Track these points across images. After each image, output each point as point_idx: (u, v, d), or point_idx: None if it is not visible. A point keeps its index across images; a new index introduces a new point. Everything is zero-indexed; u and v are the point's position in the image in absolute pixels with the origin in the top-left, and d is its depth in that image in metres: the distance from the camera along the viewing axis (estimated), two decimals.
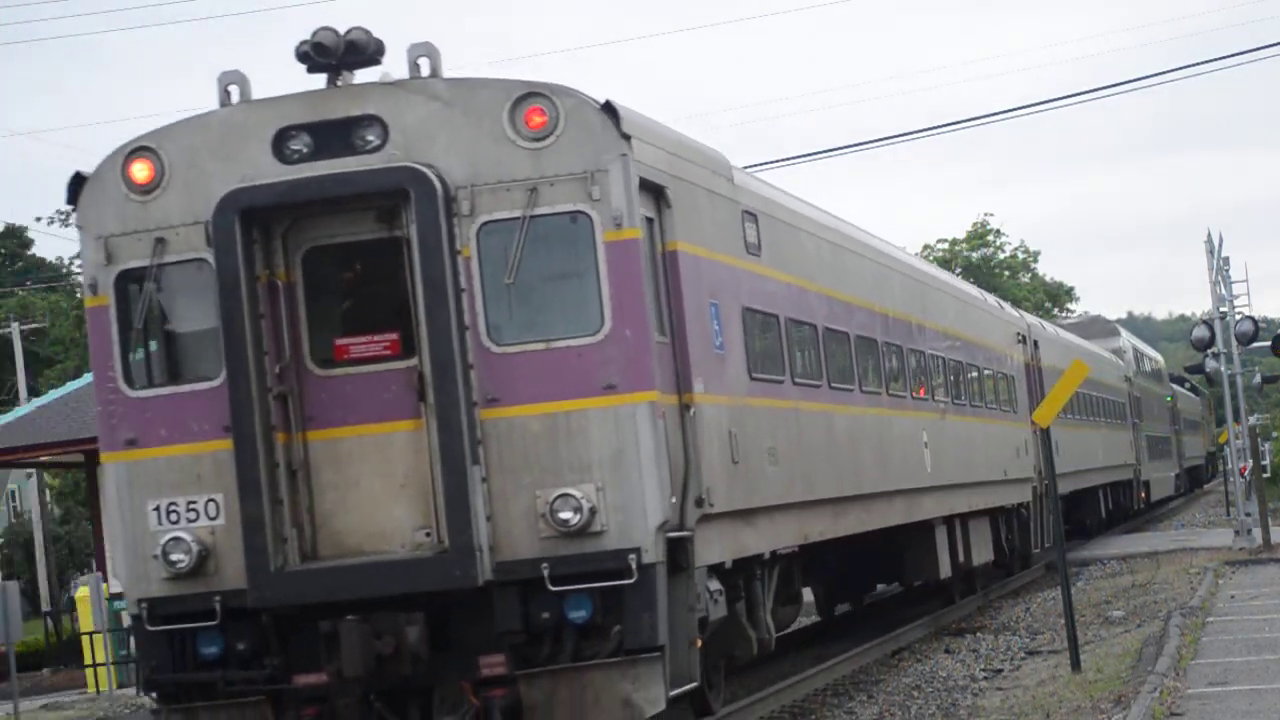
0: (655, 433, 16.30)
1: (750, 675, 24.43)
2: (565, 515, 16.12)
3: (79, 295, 70.38)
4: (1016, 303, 73.07)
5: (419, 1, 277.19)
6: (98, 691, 37.03)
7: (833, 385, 23.36)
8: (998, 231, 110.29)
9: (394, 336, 16.64)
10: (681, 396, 17.22)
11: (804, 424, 21.71)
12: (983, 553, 34.10)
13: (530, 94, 16.38)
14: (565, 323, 16.31)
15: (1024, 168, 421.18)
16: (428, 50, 16.71)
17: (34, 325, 75.57)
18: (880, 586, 36.02)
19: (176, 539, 16.59)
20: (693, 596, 17.23)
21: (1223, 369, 48.28)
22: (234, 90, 16.97)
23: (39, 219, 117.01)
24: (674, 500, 16.65)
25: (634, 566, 16.05)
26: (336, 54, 16.64)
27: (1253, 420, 74.05)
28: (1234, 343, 47.66)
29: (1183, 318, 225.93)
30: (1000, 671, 25.01)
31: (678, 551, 16.79)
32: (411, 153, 16.38)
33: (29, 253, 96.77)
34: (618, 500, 16.11)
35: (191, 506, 16.69)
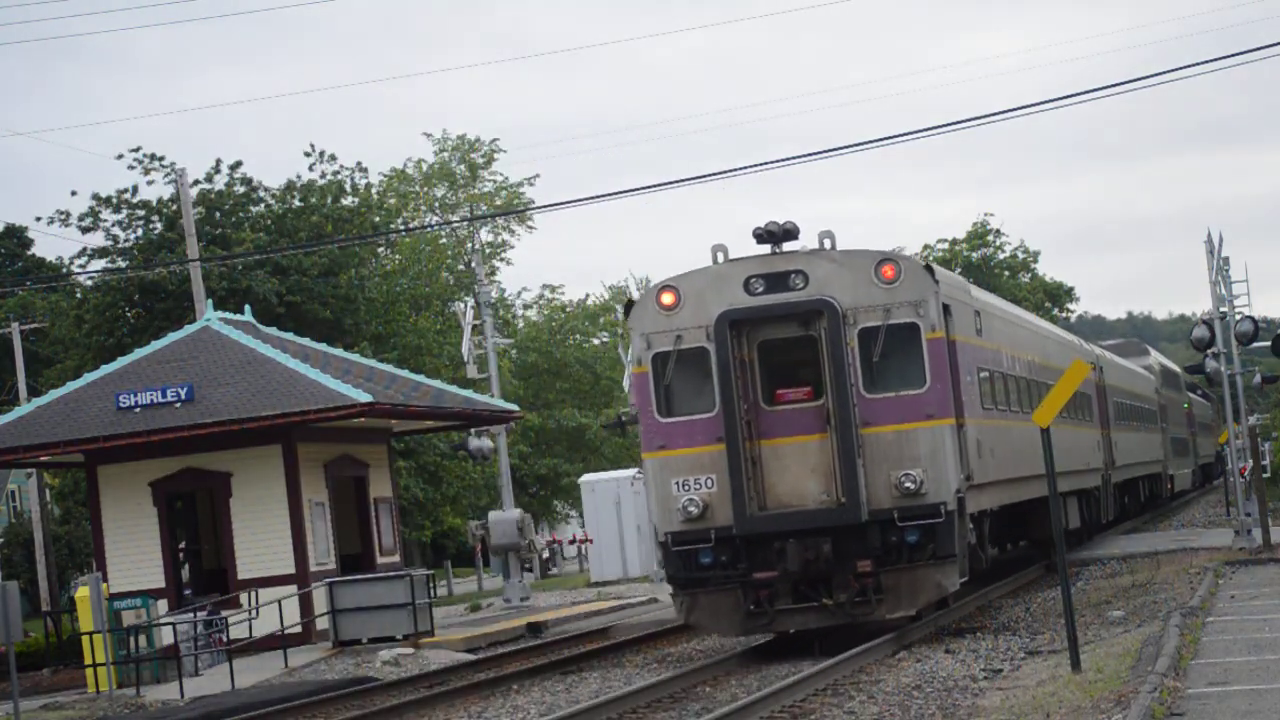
0: (953, 440, 30.34)
1: (751, 673, 28.57)
2: (907, 484, 30.01)
3: (79, 295, 71.00)
4: (1017, 302, 77.43)
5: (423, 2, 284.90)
6: (98, 691, 37.02)
7: (1011, 409, 37.54)
8: (998, 231, 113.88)
9: (809, 389, 30.56)
10: (959, 420, 31.20)
11: (1000, 433, 35.84)
12: (1074, 520, 48.14)
13: (886, 259, 30.37)
14: (905, 381, 30.27)
15: (1024, 168, 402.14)
16: (829, 234, 30.71)
17: (34, 325, 75.63)
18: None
19: (691, 499, 30.42)
20: (965, 530, 31.32)
21: (1223, 369, 48.74)
22: (720, 254, 30.91)
23: (39, 219, 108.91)
24: (960, 476, 30.63)
25: (942, 512, 30.06)
26: (778, 235, 30.66)
27: (1253, 420, 77.51)
28: (1234, 343, 48.28)
29: (1183, 318, 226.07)
30: (1000, 671, 25.57)
31: (960, 505, 30.73)
32: (821, 290, 30.28)
33: (29, 253, 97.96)
34: (933, 476, 30.04)
35: (697, 481, 30.49)
